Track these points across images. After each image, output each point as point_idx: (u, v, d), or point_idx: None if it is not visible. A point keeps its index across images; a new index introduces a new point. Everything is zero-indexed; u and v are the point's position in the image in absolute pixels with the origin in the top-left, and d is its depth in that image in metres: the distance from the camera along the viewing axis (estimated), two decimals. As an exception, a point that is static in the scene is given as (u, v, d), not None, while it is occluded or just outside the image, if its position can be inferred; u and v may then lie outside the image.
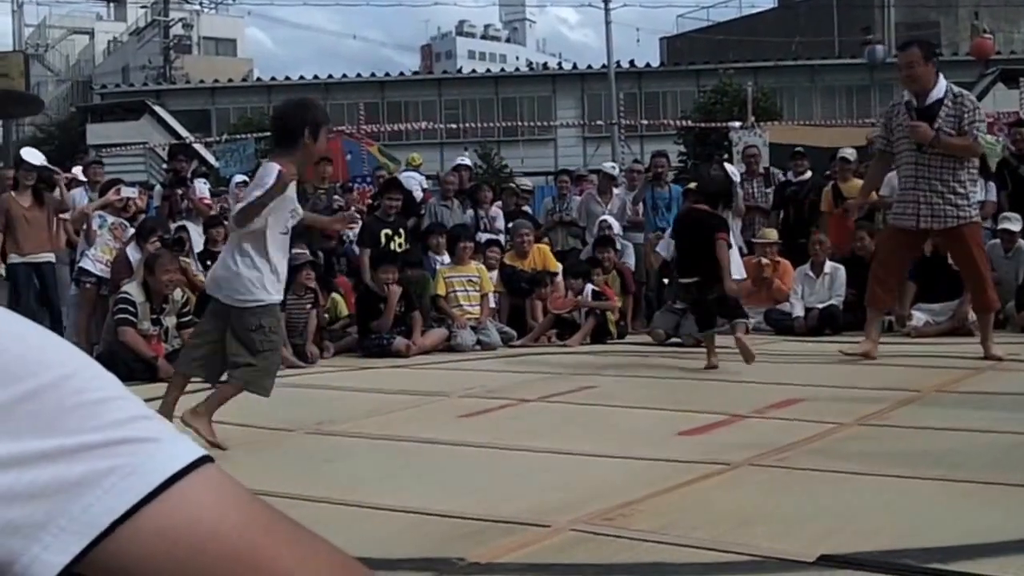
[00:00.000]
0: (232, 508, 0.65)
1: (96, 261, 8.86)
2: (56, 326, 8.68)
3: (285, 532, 0.67)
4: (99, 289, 8.78)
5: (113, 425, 0.63)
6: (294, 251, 9.20)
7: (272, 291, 4.60)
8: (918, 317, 8.63)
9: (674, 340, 8.69)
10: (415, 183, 12.16)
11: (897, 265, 6.94)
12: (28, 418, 0.61)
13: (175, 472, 0.63)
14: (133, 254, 8.50)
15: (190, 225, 9.70)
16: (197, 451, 0.65)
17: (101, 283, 8.78)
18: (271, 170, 4.48)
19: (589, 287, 9.13)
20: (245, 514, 0.65)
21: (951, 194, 6.38)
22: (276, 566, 0.64)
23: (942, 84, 6.56)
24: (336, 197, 10.91)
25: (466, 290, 9.09)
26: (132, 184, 10.07)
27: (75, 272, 9.07)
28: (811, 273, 9.27)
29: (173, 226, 9.36)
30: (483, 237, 10.17)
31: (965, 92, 6.75)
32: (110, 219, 9.08)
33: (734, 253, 8.78)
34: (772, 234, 9.77)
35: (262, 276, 4.54)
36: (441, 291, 9.02)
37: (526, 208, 11.60)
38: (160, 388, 6.61)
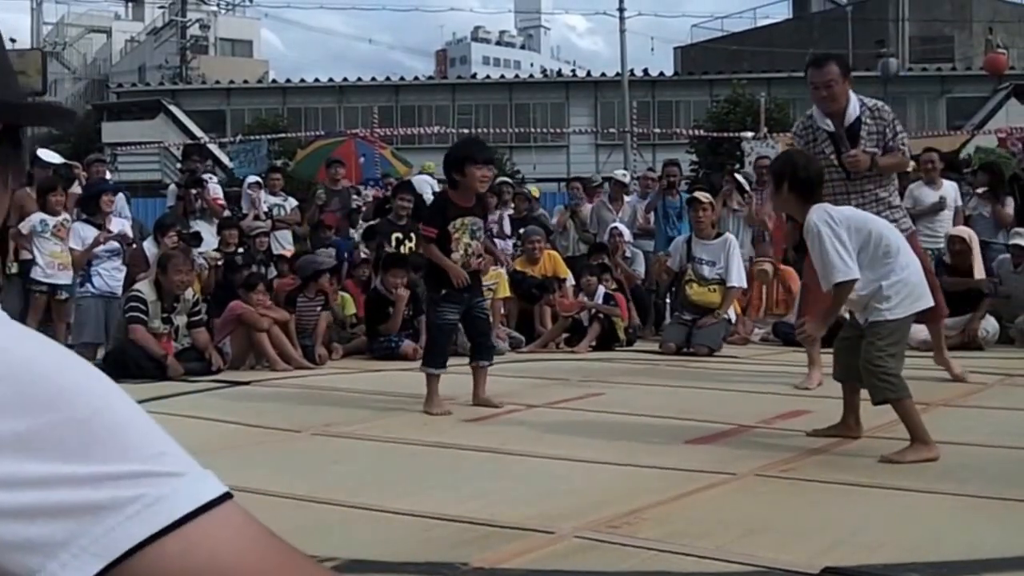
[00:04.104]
0: (250, 547, 0.67)
1: (46, 267, 8.49)
2: None
3: (302, 573, 0.69)
4: (52, 296, 8.58)
5: (142, 458, 0.65)
6: (321, 256, 9.25)
7: None
8: (927, 330, 8.58)
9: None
10: (427, 187, 12.20)
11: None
12: (58, 443, 0.63)
13: (197, 507, 0.65)
14: (150, 248, 8.57)
15: (202, 225, 9.75)
16: (220, 488, 0.67)
17: (54, 290, 8.58)
18: None
19: (601, 289, 9.09)
20: (263, 554, 0.67)
21: (887, 210, 6.01)
22: None
23: (854, 100, 6.26)
24: (355, 197, 11.00)
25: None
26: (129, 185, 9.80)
27: (26, 283, 8.62)
28: (820, 285, 9.22)
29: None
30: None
31: (879, 103, 6.41)
32: (51, 220, 8.54)
33: (737, 260, 8.78)
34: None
35: None
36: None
37: (531, 211, 11.57)
38: (169, 387, 6.67)
